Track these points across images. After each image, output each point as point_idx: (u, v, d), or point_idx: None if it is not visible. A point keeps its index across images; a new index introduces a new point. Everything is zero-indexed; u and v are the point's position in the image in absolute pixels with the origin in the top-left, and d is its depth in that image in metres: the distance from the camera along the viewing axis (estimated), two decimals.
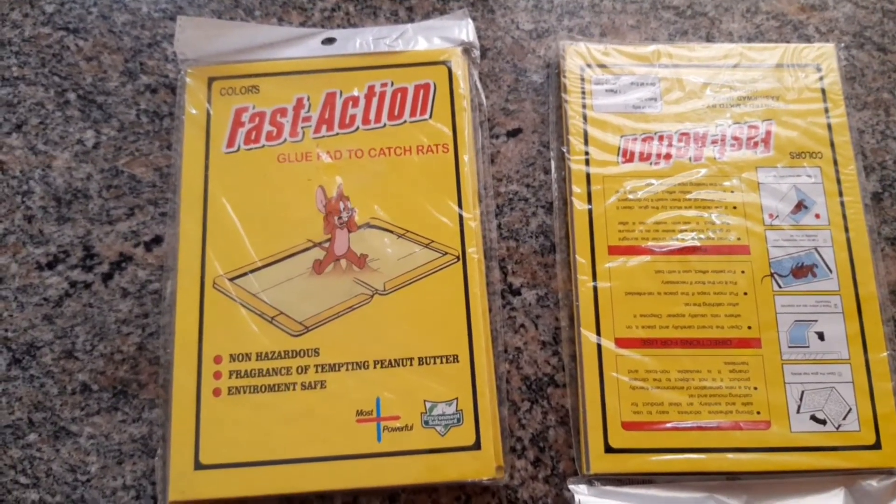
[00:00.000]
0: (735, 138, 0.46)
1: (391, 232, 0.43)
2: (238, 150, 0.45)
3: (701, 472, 0.39)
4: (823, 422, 0.40)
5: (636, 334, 0.41)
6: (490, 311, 0.43)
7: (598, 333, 0.41)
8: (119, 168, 0.46)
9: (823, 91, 0.48)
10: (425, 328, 0.41)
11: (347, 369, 0.40)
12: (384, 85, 0.46)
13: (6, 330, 0.42)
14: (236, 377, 0.40)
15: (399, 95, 0.46)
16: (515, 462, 0.41)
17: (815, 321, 0.42)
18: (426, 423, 0.39)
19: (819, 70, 0.48)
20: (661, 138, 0.46)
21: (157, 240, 0.44)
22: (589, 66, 0.48)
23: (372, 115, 0.45)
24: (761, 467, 0.39)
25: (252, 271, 0.42)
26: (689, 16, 0.51)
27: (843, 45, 0.50)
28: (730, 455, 0.39)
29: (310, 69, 0.47)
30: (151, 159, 0.46)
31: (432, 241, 0.42)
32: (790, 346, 0.41)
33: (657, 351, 0.41)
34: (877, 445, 0.39)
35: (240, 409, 0.39)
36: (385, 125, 0.45)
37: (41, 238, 0.44)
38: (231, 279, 0.42)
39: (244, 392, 0.40)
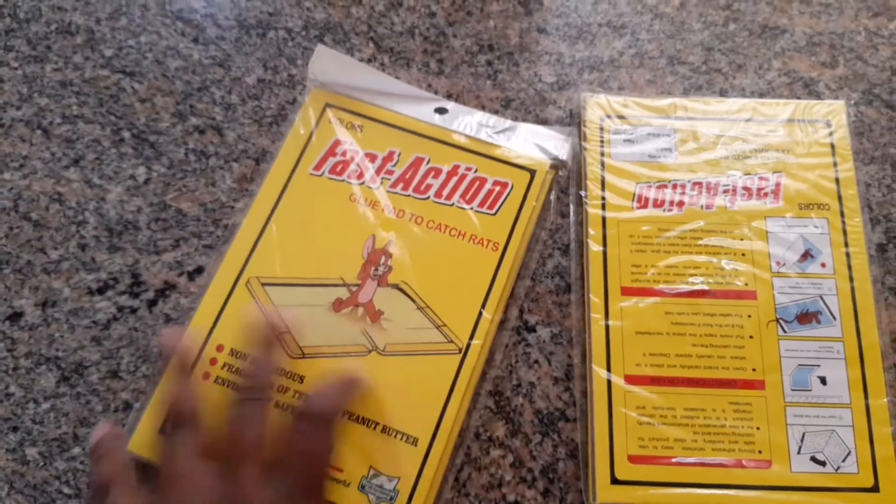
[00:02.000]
0: (746, 188, 0.48)
1: (413, 301, 0.44)
2: (322, 175, 0.48)
3: None
4: (823, 463, 0.41)
5: (645, 372, 0.43)
6: (507, 346, 0.45)
7: (609, 370, 0.43)
8: (167, 202, 0.50)
9: (833, 146, 0.50)
10: (401, 401, 0.42)
11: None
12: (468, 169, 0.48)
13: (57, 350, 0.46)
14: (227, 370, 0.43)
15: (477, 183, 0.47)
16: (525, 492, 0.43)
17: (818, 366, 0.43)
18: (363, 487, 0.40)
19: (829, 126, 0.50)
20: (674, 186, 0.48)
21: (199, 270, 0.48)
22: (608, 116, 0.51)
23: (446, 192, 0.47)
24: None
25: (282, 284, 0.45)
26: (704, 71, 0.54)
27: (852, 101, 0.53)
28: (731, 492, 0.40)
29: (413, 129, 0.49)
30: (197, 195, 0.50)
31: (444, 325, 0.44)
32: (793, 389, 0.43)
33: (664, 389, 0.43)
34: (875, 488, 0.40)
35: (215, 398, 0.40)
36: (454, 204, 0.47)
37: (93, 265, 0.48)
38: (263, 284, 0.44)
39: (227, 386, 0.42)
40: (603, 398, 0.43)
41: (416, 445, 0.41)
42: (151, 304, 0.47)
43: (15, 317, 0.46)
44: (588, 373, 0.44)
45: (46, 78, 0.53)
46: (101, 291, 0.47)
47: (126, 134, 0.52)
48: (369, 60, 0.54)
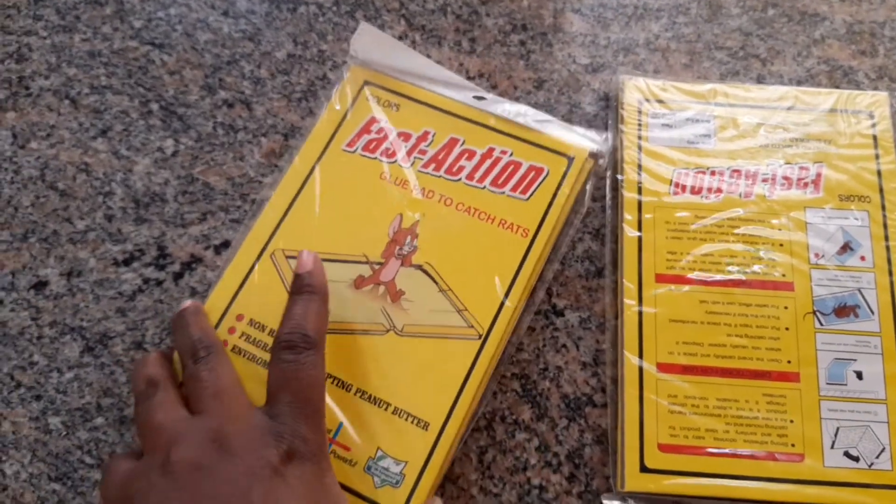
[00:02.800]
0: (785, 178, 0.47)
1: (436, 283, 0.44)
2: (355, 152, 0.47)
3: (733, 499, 0.40)
4: (857, 458, 0.40)
5: (678, 360, 0.43)
6: (533, 330, 0.45)
7: (641, 357, 0.43)
8: (194, 175, 0.49)
9: (875, 137, 0.49)
10: (415, 384, 0.41)
11: (331, 382, 0.41)
12: (503, 152, 0.47)
13: (81, 320, 0.45)
14: (245, 340, 0.42)
15: (511, 167, 0.46)
16: (551, 476, 0.42)
17: (855, 360, 0.42)
18: (368, 468, 0.39)
19: (872, 117, 0.49)
20: (712, 173, 0.47)
21: (226, 244, 0.47)
22: (647, 100, 0.50)
23: (478, 174, 0.46)
24: (793, 498, 0.39)
25: None
26: (742, 57, 0.53)
27: (893, 92, 0.51)
28: (763, 484, 0.40)
29: (450, 110, 0.48)
30: (224, 169, 0.49)
31: (466, 309, 0.43)
32: (828, 383, 0.42)
33: (697, 378, 0.42)
34: None
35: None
36: (485, 188, 0.46)
37: (119, 236, 0.47)
38: (287, 256, 0.44)
39: (243, 355, 0.41)
40: (634, 385, 0.42)
41: (426, 430, 0.40)
42: (177, 276, 0.46)
43: (40, 286, 0.46)
44: (619, 359, 0.43)
45: (75, 48, 0.53)
46: (126, 263, 0.47)
47: (154, 106, 0.51)
48: (401, 37, 0.53)
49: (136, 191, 0.49)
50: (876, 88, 0.52)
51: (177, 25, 0.54)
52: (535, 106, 0.51)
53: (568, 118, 0.51)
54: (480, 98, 0.48)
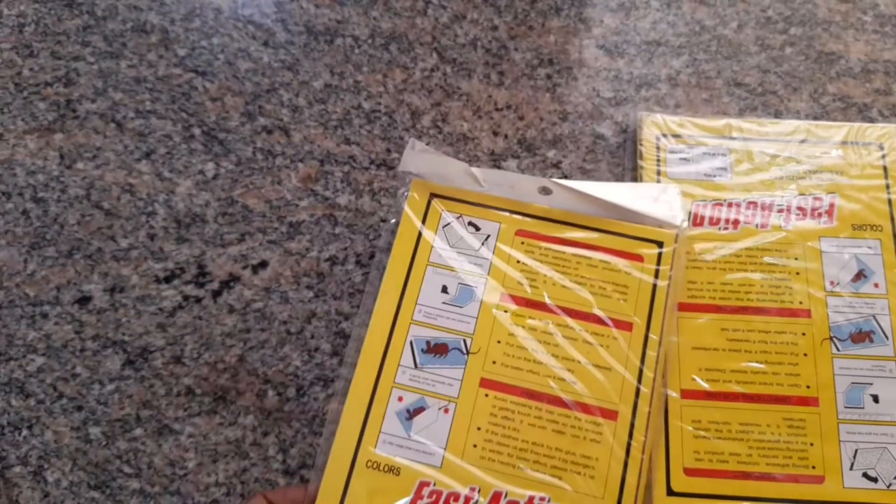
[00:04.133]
0: (800, 208, 0.49)
1: None
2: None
3: None
4: (875, 479, 0.41)
5: (700, 387, 0.44)
6: None
7: (665, 385, 0.44)
8: (234, 198, 0.51)
9: (885, 168, 0.50)
10: None
11: None
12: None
13: (123, 334, 0.47)
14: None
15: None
16: None
17: (871, 384, 0.44)
18: None
19: (882, 148, 0.51)
20: (730, 205, 0.49)
21: (263, 264, 0.49)
22: (665, 135, 0.52)
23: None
24: None
25: None
26: (760, 93, 0.55)
27: None
28: None
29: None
30: (263, 192, 0.51)
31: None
32: (846, 407, 0.43)
33: (719, 403, 0.44)
34: None
35: None
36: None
37: (161, 255, 0.49)
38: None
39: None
40: (659, 412, 0.43)
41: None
42: (216, 294, 0.48)
43: (84, 301, 0.48)
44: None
45: (121, 74, 0.55)
46: (167, 280, 0.49)
47: (196, 130, 0.53)
48: (432, 70, 0.56)
49: (178, 211, 0.51)
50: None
51: (219, 54, 0.56)
52: (558, 139, 0.53)
53: (591, 149, 0.53)
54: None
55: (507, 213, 0.47)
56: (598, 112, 0.55)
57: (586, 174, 0.52)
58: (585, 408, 0.41)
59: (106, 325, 0.47)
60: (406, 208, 0.46)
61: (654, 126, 0.52)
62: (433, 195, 0.47)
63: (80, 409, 0.45)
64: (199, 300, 0.48)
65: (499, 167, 0.52)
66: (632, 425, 0.41)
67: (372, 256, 0.49)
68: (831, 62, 0.57)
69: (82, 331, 0.47)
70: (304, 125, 0.54)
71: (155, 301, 0.48)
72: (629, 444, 0.40)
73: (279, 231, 0.50)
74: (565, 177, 0.52)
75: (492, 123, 0.54)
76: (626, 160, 0.52)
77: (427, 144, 0.53)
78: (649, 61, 0.57)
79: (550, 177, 0.52)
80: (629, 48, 0.57)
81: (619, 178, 0.52)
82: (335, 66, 0.56)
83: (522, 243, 0.46)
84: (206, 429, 0.45)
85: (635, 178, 0.51)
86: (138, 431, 0.45)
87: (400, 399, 0.41)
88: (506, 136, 0.53)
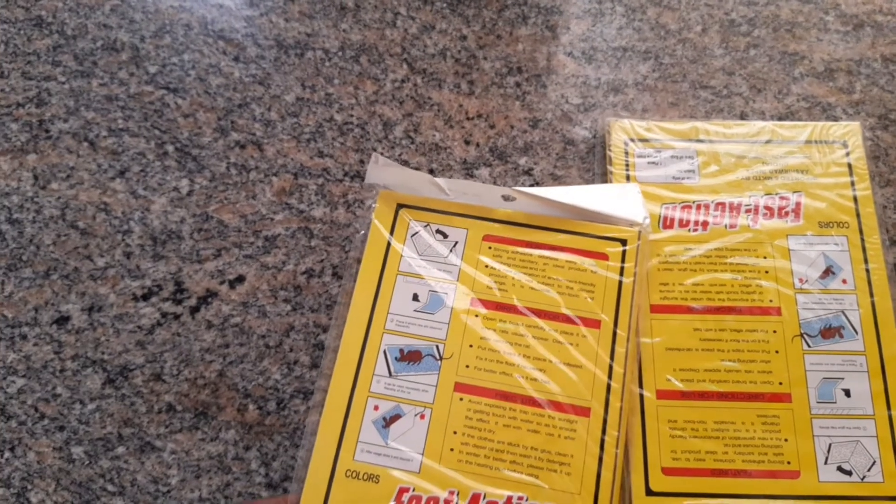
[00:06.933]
0: (767, 208, 0.50)
1: None
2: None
3: None
4: (849, 473, 0.42)
5: (675, 387, 0.45)
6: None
7: (641, 386, 0.45)
8: (209, 214, 0.51)
9: (850, 166, 0.52)
10: None
11: None
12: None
13: (103, 353, 0.47)
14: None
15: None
16: None
17: (842, 379, 0.45)
18: None
19: (846, 146, 0.52)
20: (698, 207, 0.50)
21: (240, 279, 0.49)
22: (632, 140, 0.53)
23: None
24: None
25: None
26: (725, 95, 0.56)
27: (868, 126, 0.55)
28: (762, 502, 0.42)
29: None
30: (238, 207, 0.51)
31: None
32: (818, 402, 0.44)
33: (695, 403, 0.44)
34: None
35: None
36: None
37: (138, 273, 0.49)
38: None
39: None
40: (636, 413, 0.44)
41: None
42: (194, 310, 0.48)
43: (62, 321, 0.48)
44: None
45: (93, 92, 0.55)
46: (145, 298, 0.49)
47: (170, 147, 0.53)
48: (403, 81, 0.56)
49: (154, 229, 0.51)
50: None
51: (190, 70, 0.56)
52: (529, 146, 0.54)
53: (562, 155, 0.54)
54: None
55: (474, 220, 0.48)
56: (567, 118, 0.56)
57: (557, 180, 0.53)
58: (558, 406, 0.42)
59: (85, 344, 0.47)
60: (374, 220, 0.47)
61: (622, 131, 0.53)
62: (400, 205, 0.48)
63: (61, 429, 0.45)
64: (177, 317, 0.48)
65: (471, 176, 0.53)
66: (605, 421, 0.42)
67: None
68: (795, 63, 0.58)
69: (62, 351, 0.47)
70: (276, 139, 0.54)
71: (133, 319, 0.48)
72: (603, 440, 0.41)
73: (255, 245, 0.50)
74: (537, 183, 0.53)
75: (463, 132, 0.55)
76: (596, 165, 0.53)
77: (399, 155, 0.53)
78: (616, 67, 0.57)
79: (522, 184, 0.52)
80: (596, 54, 0.58)
81: (590, 183, 0.53)
82: (306, 79, 0.56)
83: (490, 248, 0.47)
84: (188, 445, 0.45)
85: (605, 182, 0.52)
86: (121, 450, 0.45)
87: (376, 408, 0.42)
88: (477, 145, 0.54)
